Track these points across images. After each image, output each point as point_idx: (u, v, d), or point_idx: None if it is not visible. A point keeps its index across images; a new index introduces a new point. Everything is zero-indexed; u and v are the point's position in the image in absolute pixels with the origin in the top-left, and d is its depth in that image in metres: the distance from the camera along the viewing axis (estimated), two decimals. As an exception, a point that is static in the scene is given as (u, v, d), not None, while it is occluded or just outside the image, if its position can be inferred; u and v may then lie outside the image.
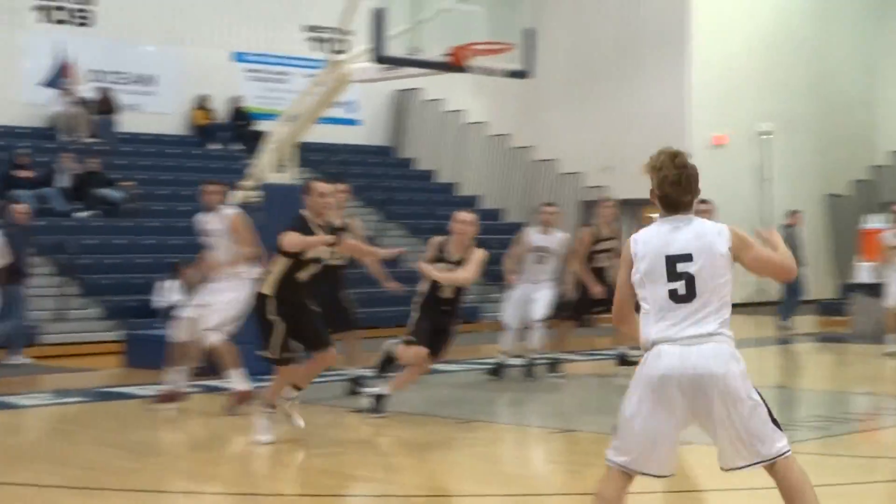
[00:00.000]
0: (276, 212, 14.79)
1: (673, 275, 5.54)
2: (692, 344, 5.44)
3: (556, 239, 14.95)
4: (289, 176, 16.09)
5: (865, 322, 19.88)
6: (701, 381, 5.41)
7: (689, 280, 5.52)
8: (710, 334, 5.46)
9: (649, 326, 5.55)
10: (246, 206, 16.60)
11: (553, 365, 14.71)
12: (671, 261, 5.56)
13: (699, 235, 5.64)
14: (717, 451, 5.56)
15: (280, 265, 9.77)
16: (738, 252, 5.63)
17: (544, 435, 11.11)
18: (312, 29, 27.81)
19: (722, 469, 5.63)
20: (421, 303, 11.24)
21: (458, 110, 28.79)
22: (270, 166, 15.88)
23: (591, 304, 14.64)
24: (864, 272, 21.26)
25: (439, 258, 11.37)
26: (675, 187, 5.72)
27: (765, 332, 20.94)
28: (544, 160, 29.32)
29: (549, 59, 28.31)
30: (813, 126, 30.43)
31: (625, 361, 14.81)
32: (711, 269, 5.55)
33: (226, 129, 26.35)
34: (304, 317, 9.81)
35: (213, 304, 11.68)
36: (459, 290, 11.40)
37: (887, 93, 31.89)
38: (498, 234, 26.78)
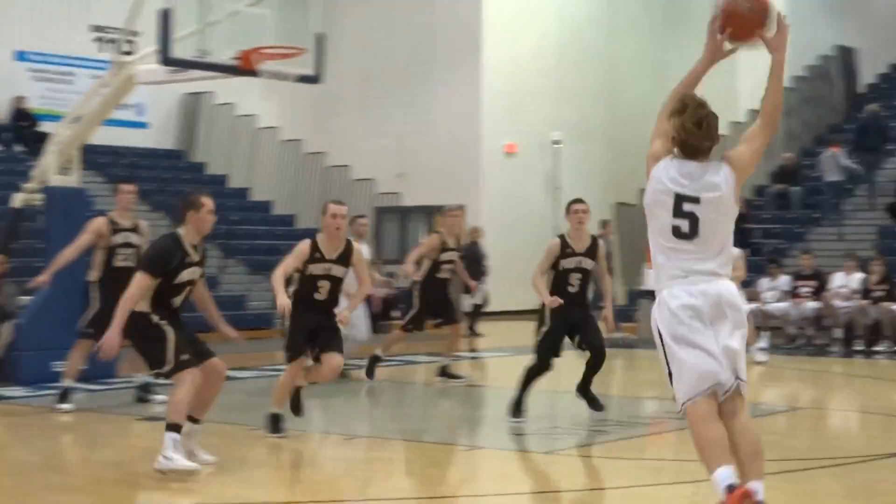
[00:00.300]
0: (59, 215, 14.54)
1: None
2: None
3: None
4: (73, 179, 15.78)
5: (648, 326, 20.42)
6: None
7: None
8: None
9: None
10: (27, 210, 16.32)
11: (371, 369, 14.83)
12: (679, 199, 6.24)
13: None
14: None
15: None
16: None
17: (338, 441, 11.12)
18: (98, 29, 27.26)
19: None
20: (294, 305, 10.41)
21: (249, 115, 28.58)
22: (54, 168, 15.55)
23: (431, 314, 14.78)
24: (651, 279, 21.82)
25: (316, 259, 10.50)
26: (696, 132, 6.21)
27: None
28: (337, 166, 29.33)
29: (341, 64, 28.42)
30: (602, 135, 31.19)
31: (445, 373, 14.91)
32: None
33: (7, 130, 25.67)
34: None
35: None
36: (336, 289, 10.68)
37: (673, 103, 32.81)
38: (290, 239, 26.69)
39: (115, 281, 11.61)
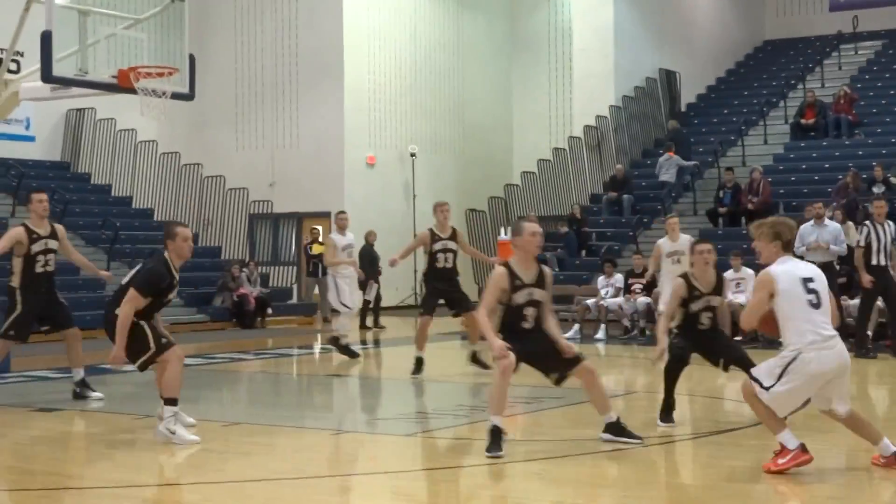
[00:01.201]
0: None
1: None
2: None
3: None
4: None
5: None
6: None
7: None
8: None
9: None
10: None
11: None
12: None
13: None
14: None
15: None
16: None
17: (216, 427, 11.06)
18: (-14, 49, 26.58)
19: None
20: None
21: (130, 129, 28.17)
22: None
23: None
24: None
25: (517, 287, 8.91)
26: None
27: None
28: (213, 176, 29.07)
29: (215, 82, 28.26)
30: (454, 148, 31.51)
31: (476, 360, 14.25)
32: None
33: None
34: None
35: None
36: None
37: (520, 120, 33.31)
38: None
39: (36, 286, 11.82)
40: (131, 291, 9.46)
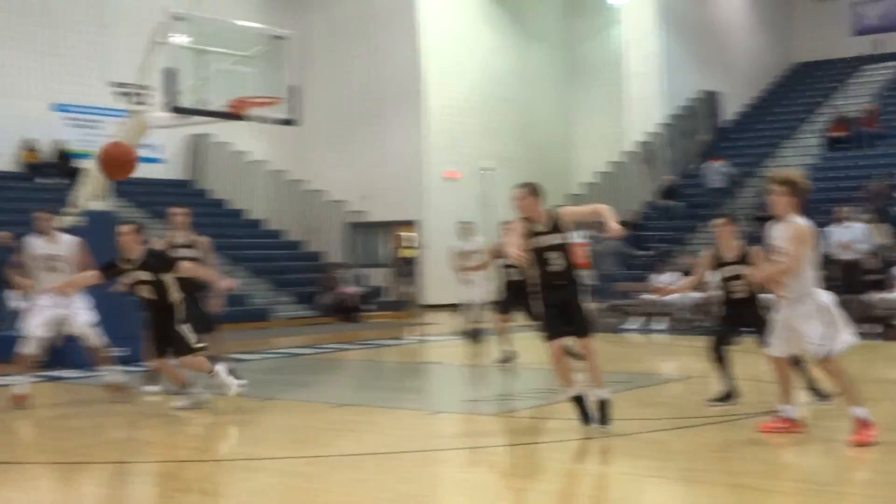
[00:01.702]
0: (96, 233, 14.33)
1: None
2: None
3: None
4: (105, 204, 15.68)
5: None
6: None
7: None
8: None
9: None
10: (72, 229, 16.15)
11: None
12: None
13: None
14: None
15: None
16: None
17: (328, 408, 11.10)
18: (118, 84, 26.90)
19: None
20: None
21: (243, 151, 28.48)
22: (89, 196, 15.44)
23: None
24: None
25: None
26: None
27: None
28: (315, 190, 29.30)
29: (314, 109, 28.29)
30: (523, 163, 31.36)
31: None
32: None
33: (51, 167, 25.36)
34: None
35: (76, 314, 11.04)
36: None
37: (579, 139, 33.17)
38: (279, 249, 26.69)
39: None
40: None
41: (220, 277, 10.83)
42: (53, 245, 11.26)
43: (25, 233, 21.32)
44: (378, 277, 28.86)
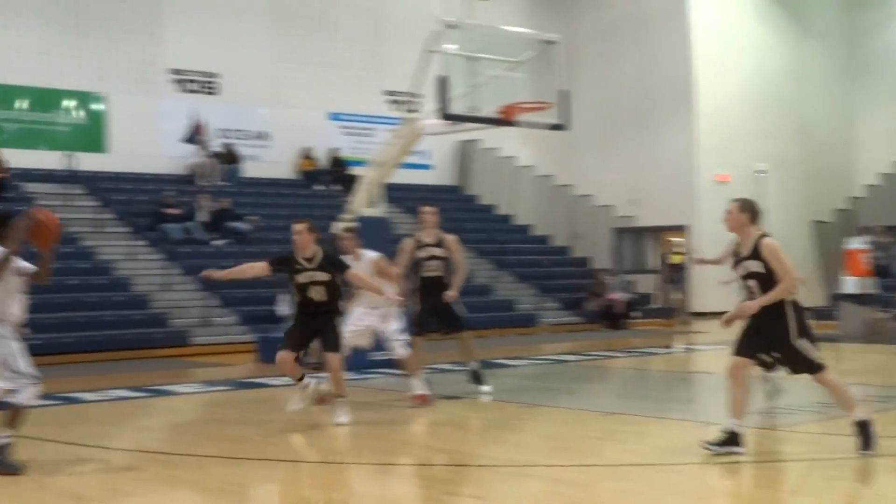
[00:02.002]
0: (369, 238, 14.78)
1: None
2: None
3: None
4: (379, 210, 16.16)
5: (852, 325, 19.69)
6: None
7: None
8: None
9: None
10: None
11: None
12: None
13: None
14: None
15: None
16: None
17: (594, 416, 11.05)
18: (390, 93, 27.95)
19: None
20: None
21: (510, 156, 28.84)
22: (363, 202, 15.94)
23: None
24: (848, 284, 21.01)
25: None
26: None
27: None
28: (582, 195, 29.29)
29: (582, 113, 28.32)
30: (799, 165, 30.25)
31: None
32: None
33: (326, 174, 26.53)
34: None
35: (387, 325, 11.36)
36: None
37: (861, 136, 31.61)
38: (547, 254, 26.82)
39: (425, 288, 11.72)
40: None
41: (387, 290, 10.63)
42: (357, 263, 11.24)
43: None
44: (646, 284, 28.51)
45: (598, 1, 30.57)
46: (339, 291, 10.15)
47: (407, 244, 11.85)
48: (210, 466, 8.28)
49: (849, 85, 31.97)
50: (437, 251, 11.81)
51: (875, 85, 31.58)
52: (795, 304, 8.24)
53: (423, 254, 11.76)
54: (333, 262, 10.05)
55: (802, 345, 8.17)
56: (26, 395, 7.73)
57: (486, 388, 11.93)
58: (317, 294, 9.95)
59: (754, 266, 8.17)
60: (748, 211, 8.23)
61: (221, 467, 8.18)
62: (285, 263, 10.09)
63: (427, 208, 12.07)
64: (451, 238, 11.94)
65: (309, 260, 9.92)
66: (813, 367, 8.22)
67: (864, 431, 8.10)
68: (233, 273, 10.22)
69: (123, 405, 11.93)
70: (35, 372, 7.79)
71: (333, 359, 9.91)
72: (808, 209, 29.57)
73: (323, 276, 9.92)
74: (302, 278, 9.94)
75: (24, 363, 7.79)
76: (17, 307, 7.84)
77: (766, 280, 8.13)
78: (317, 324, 9.99)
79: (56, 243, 7.88)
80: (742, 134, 29.23)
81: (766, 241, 8.16)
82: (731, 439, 8.16)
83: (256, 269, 10.20)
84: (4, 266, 7.66)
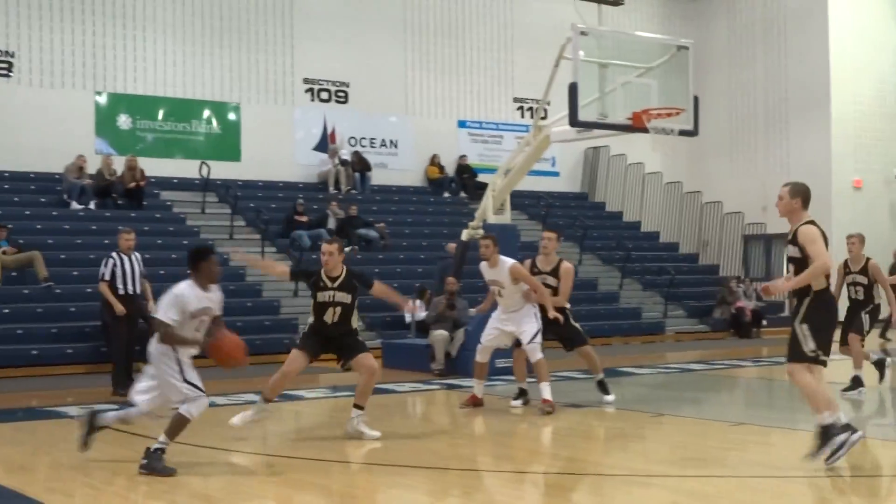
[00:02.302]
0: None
1: None
2: None
3: None
4: (506, 217, 16.19)
5: None
6: None
7: None
8: None
9: None
10: (472, 242, 16.85)
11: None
12: None
13: None
14: None
15: None
16: None
17: (720, 426, 10.87)
18: (519, 100, 27.99)
19: None
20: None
21: (638, 163, 28.59)
22: (491, 210, 15.97)
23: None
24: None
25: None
26: None
27: None
28: (710, 202, 28.86)
29: (711, 118, 28.00)
30: (940, 170, 29.30)
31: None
32: None
33: (454, 182, 26.68)
34: None
35: (524, 330, 11.34)
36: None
37: None
38: (674, 262, 26.48)
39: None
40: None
41: (405, 301, 10.77)
42: (493, 270, 11.40)
43: (428, 244, 22.48)
44: (777, 292, 27.91)
45: (732, 4, 30.08)
46: (353, 314, 10.02)
47: (524, 267, 11.67)
48: (335, 471, 8.40)
49: None
50: (550, 279, 11.75)
51: None
52: (823, 294, 8.02)
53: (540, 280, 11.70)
54: (358, 277, 9.97)
55: (801, 331, 7.90)
56: (194, 406, 8.09)
57: (609, 397, 11.89)
58: (331, 316, 9.87)
59: (792, 251, 8.11)
60: (799, 195, 8.15)
61: (347, 472, 8.31)
62: (308, 277, 10.08)
63: (548, 234, 12.04)
64: (566, 268, 11.83)
65: (333, 279, 9.85)
66: (795, 356, 7.92)
67: (824, 436, 7.88)
68: (258, 263, 10.37)
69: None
70: (202, 386, 8.14)
71: (368, 357, 10.02)
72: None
73: (344, 296, 9.84)
74: (322, 297, 9.86)
75: (194, 376, 8.17)
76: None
77: (801, 265, 8.01)
78: (333, 342, 10.03)
79: (236, 362, 8.22)
80: (878, 138, 28.42)
81: (804, 227, 8.05)
82: (827, 433, 7.88)
83: (279, 270, 10.43)
84: (176, 339, 8.13)
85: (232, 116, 24.27)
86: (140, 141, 23.22)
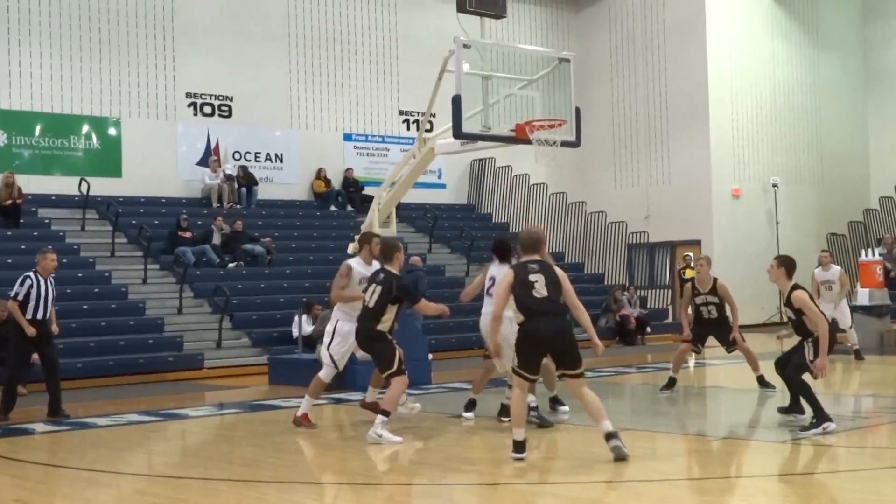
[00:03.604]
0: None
1: None
2: None
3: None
4: (392, 230, 16.17)
5: (866, 337, 19.57)
6: None
7: None
8: None
9: None
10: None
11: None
12: None
13: None
14: None
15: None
16: None
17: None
18: (405, 113, 28.05)
19: None
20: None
21: (523, 174, 28.88)
22: (377, 223, 15.95)
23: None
24: (862, 296, 20.89)
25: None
26: None
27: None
28: (595, 212, 29.31)
29: (594, 130, 28.48)
30: (813, 178, 30.29)
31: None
32: None
33: (340, 195, 26.59)
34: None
35: None
36: None
37: (876, 148, 31.58)
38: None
39: None
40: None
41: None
42: (369, 269, 11.54)
43: (315, 258, 22.36)
44: (660, 299, 28.49)
45: (613, 17, 30.63)
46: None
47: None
48: (223, 490, 8.31)
49: (863, 98, 31.99)
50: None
51: (889, 97, 31.58)
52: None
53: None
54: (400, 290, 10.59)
55: None
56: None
57: (564, 408, 11.99)
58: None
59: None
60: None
61: (234, 491, 8.21)
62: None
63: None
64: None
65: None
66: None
67: (611, 438, 8.69)
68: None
69: (136, 430, 11.96)
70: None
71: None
72: (821, 222, 29.57)
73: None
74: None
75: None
76: None
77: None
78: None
79: None
80: (756, 147, 29.24)
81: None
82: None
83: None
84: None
85: (112, 132, 23.81)
86: (17, 157, 22.64)
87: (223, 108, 25.30)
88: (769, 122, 29.69)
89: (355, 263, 11.44)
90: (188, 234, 21.75)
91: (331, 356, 11.08)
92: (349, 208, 26.27)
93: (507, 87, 14.49)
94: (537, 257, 9.13)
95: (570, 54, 15.05)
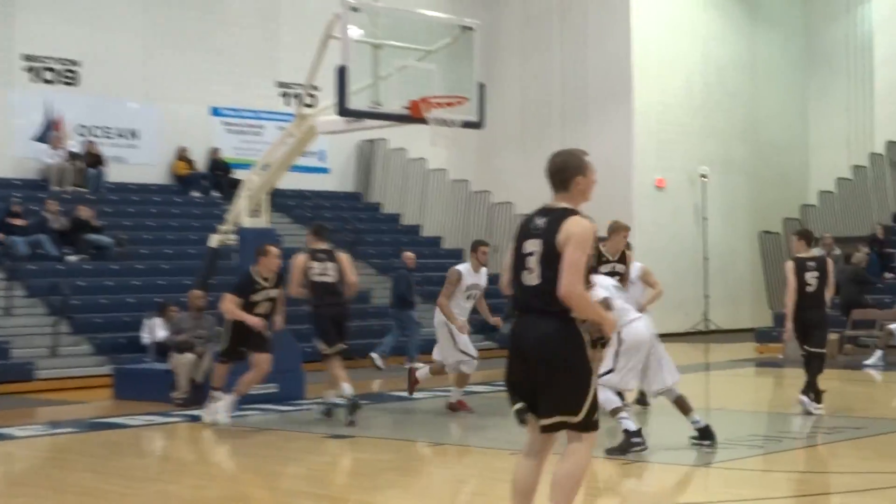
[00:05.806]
0: (251, 254, 14.64)
1: None
2: None
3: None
4: (263, 220, 16.08)
5: (796, 348, 19.97)
6: None
7: None
8: None
9: None
10: (223, 249, 16.68)
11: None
12: None
13: None
14: None
15: None
16: None
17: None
18: (282, 85, 27.88)
19: None
20: None
21: (419, 158, 28.90)
22: (246, 211, 15.85)
23: None
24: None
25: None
26: None
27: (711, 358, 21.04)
28: (500, 203, 29.47)
29: (501, 110, 28.61)
30: (747, 168, 30.86)
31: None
32: None
33: (205, 178, 26.33)
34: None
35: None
36: None
37: (816, 139, 32.34)
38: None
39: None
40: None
41: None
42: (476, 275, 13.86)
43: (173, 251, 22.18)
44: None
45: (525, -18, 30.81)
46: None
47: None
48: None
49: (804, 80, 32.70)
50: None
51: (832, 80, 32.31)
52: None
53: None
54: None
55: None
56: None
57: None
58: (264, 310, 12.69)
59: None
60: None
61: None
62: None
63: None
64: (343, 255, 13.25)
65: (268, 280, 12.73)
66: None
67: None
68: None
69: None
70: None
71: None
72: (755, 218, 30.13)
73: (276, 293, 12.76)
74: (260, 297, 12.67)
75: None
76: None
77: None
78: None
79: None
80: (687, 133, 29.68)
81: None
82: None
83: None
84: None
85: (-67, 99, 23.31)
86: None
87: (67, 73, 24.86)
88: (699, 105, 30.15)
89: (464, 270, 13.47)
90: (20, 222, 21.33)
91: (463, 351, 13.52)
92: (215, 194, 26.02)
93: (402, 58, 14.57)
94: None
95: (475, 22, 15.13)
